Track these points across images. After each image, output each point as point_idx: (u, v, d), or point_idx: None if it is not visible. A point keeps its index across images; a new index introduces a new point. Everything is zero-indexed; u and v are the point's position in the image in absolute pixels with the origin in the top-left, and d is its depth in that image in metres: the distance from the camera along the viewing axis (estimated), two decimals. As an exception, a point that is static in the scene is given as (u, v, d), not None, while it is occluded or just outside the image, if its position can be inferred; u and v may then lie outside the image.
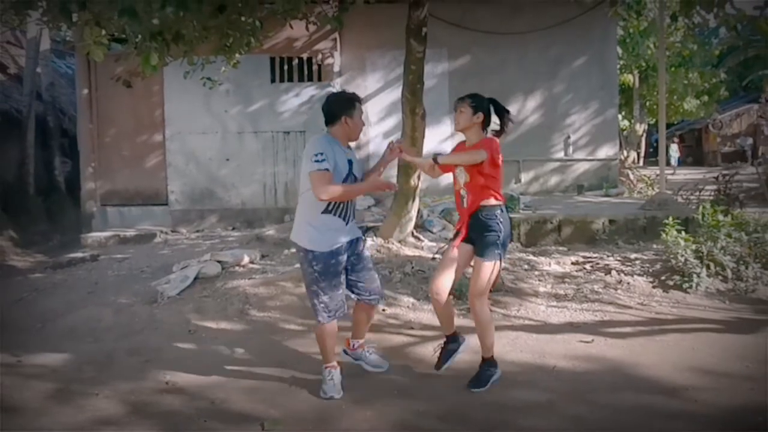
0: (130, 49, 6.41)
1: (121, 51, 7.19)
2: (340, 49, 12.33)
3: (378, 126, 12.53)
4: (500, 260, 4.51)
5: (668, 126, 29.25)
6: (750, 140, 32.90)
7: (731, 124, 34.51)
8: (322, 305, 4.41)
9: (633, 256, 7.85)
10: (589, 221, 8.80)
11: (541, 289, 6.83)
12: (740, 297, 6.55)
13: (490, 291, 4.79)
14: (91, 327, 6.21)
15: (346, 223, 4.47)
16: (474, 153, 4.40)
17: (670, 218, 7.52)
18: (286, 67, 11.92)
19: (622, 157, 18.74)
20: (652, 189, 14.29)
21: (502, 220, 4.47)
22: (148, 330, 6.04)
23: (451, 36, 12.19)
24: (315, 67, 11.96)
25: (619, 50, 17.17)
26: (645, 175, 17.06)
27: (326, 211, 4.36)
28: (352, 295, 4.67)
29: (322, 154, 4.20)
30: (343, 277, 4.54)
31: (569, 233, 8.75)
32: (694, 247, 7.03)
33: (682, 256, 6.91)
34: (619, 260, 7.71)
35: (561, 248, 8.47)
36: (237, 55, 8.35)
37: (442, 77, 12.44)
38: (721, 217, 7.45)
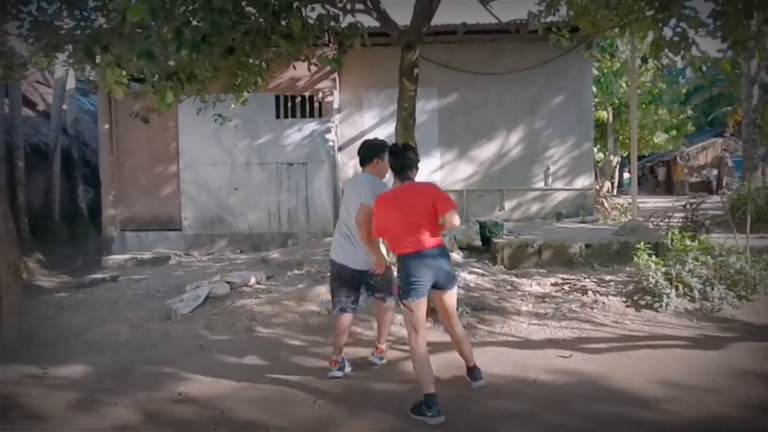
0: (147, 88, 6.45)
1: (140, 89, 7.26)
2: (339, 87, 12.44)
3: (374, 158, 12.57)
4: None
5: (639, 158, 29.47)
6: (715, 171, 33.16)
7: (698, 156, 34.80)
8: None
9: (608, 277, 7.86)
10: (567, 245, 8.81)
11: (523, 308, 6.83)
12: (706, 316, 6.55)
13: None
14: (110, 342, 6.21)
15: None
16: None
17: (642, 243, 7.55)
18: (289, 104, 12.02)
19: (598, 187, 18.78)
20: (625, 216, 14.29)
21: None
22: (162, 344, 6.05)
23: (440, 76, 12.33)
24: (316, 105, 12.06)
25: (594, 89, 17.27)
26: (618, 204, 17.06)
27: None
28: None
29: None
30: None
31: (549, 257, 8.75)
32: (663, 269, 7.05)
33: (653, 278, 6.93)
34: (594, 282, 7.73)
35: (541, 270, 8.47)
36: (245, 93, 8.43)
37: (432, 113, 12.55)
38: (688, 242, 7.50)
